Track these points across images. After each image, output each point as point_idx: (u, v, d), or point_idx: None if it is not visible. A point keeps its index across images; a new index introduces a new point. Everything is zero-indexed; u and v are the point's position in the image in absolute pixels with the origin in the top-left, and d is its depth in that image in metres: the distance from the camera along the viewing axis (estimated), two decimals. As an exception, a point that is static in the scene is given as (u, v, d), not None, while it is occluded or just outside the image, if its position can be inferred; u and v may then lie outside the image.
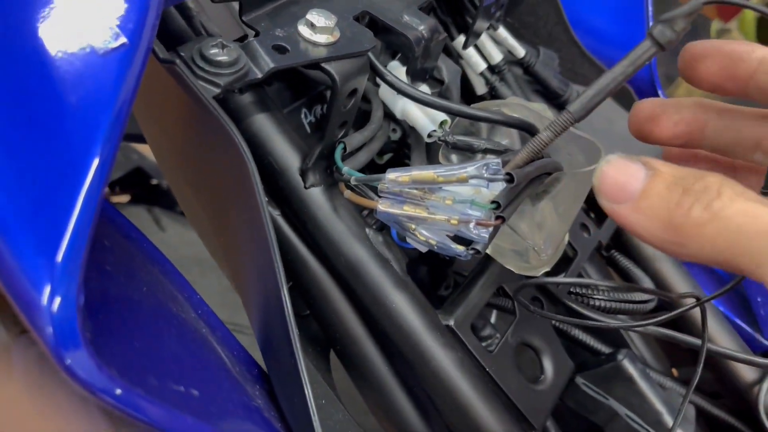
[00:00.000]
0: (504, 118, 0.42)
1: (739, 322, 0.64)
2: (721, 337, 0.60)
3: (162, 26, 0.38)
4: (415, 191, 0.38)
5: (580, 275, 0.60)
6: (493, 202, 0.36)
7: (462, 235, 0.37)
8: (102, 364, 0.25)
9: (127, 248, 0.36)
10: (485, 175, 0.36)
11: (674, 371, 0.68)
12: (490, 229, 0.36)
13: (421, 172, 0.37)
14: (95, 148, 0.25)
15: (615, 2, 0.67)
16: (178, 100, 0.36)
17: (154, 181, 1.03)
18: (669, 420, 0.54)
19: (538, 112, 0.43)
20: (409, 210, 0.38)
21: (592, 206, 0.60)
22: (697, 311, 0.60)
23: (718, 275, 0.67)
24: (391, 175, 0.38)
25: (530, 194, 0.42)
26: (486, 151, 0.44)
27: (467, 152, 0.44)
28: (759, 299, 0.61)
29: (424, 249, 0.40)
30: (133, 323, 0.30)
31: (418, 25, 0.42)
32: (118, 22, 0.28)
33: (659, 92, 0.66)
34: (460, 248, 0.37)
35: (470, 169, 0.37)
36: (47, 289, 0.24)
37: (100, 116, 0.25)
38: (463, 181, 0.36)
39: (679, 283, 0.59)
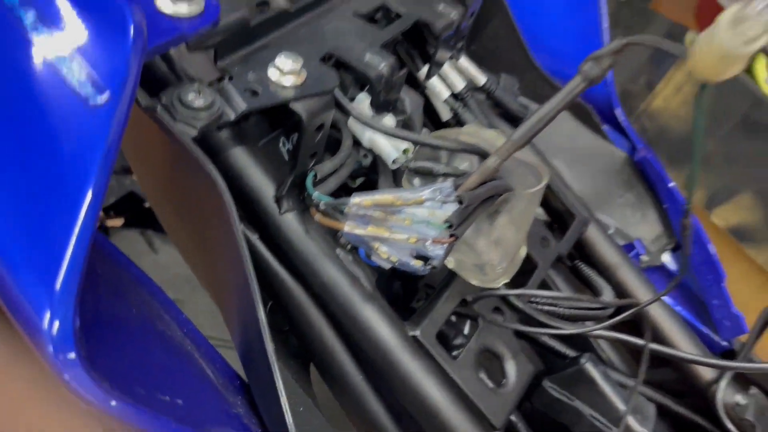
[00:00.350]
0: (458, 146, 0.46)
1: (699, 325, 0.68)
2: (680, 340, 0.64)
3: (146, 72, 0.43)
4: (377, 213, 0.42)
5: (544, 284, 0.65)
6: (446, 221, 0.40)
7: (420, 252, 0.41)
8: (97, 378, 0.29)
9: (117, 273, 0.40)
10: (438, 198, 0.41)
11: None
12: (445, 245, 0.41)
13: (382, 196, 0.41)
14: (86, 192, 0.29)
15: (574, 27, 0.72)
16: (160, 140, 0.41)
17: (147, 205, 1.07)
18: (632, 420, 0.58)
19: (491, 139, 0.47)
20: (372, 230, 0.42)
21: (556, 220, 0.64)
22: (658, 315, 0.65)
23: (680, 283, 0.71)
24: (355, 199, 0.42)
25: (484, 213, 0.46)
26: (446, 175, 0.48)
27: (428, 176, 0.48)
28: (714, 302, 0.66)
29: (387, 266, 0.44)
30: (124, 340, 0.34)
31: (380, 63, 0.46)
32: (104, 80, 0.32)
33: (616, 111, 0.70)
34: (418, 264, 0.41)
35: (425, 192, 0.41)
36: (47, 315, 0.28)
37: (89, 165, 0.30)
38: (419, 203, 0.41)
39: (639, 289, 0.63)
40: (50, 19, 0.34)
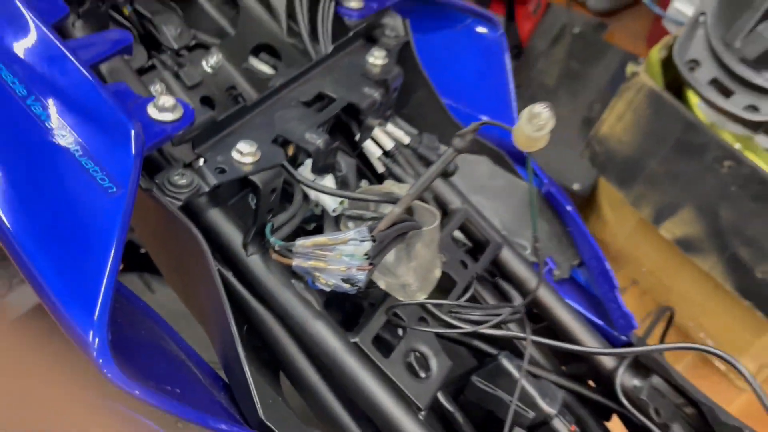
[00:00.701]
0: (377, 198, 0.63)
1: (604, 325, 0.84)
2: (583, 335, 0.80)
3: (144, 159, 0.60)
4: (317, 251, 0.59)
5: (473, 297, 0.81)
6: (366, 254, 0.57)
7: (349, 277, 0.58)
8: (125, 374, 0.45)
9: (131, 308, 0.57)
10: (359, 238, 0.58)
11: (564, 368, 0.88)
12: (366, 272, 0.57)
13: (318, 239, 0.58)
14: (109, 254, 0.46)
15: (487, 86, 0.90)
16: (155, 208, 0.57)
17: (143, 251, 1.24)
18: (541, 401, 0.74)
19: (402, 191, 0.64)
20: (314, 264, 0.59)
21: (475, 246, 0.81)
22: (565, 317, 0.81)
23: (585, 290, 0.88)
24: (300, 242, 0.59)
25: (402, 245, 0.63)
26: (373, 219, 0.65)
27: (360, 220, 0.66)
28: (612, 305, 0.82)
29: (327, 289, 0.60)
30: (139, 351, 0.51)
31: (316, 140, 0.64)
32: (117, 176, 0.49)
33: (526, 154, 0.88)
34: (347, 286, 0.58)
35: (349, 234, 0.58)
36: (91, 334, 0.45)
37: (111, 235, 0.47)
38: (345, 242, 0.58)
39: (545, 296, 0.79)
40: (72, 131, 0.51)
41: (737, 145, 1.59)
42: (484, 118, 0.90)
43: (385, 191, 0.66)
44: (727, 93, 1.47)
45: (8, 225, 0.48)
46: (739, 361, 2.02)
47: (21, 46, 0.54)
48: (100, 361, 0.45)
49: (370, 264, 0.57)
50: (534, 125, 0.49)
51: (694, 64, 1.52)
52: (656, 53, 1.71)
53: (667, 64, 1.71)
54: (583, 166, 1.92)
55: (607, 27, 2.61)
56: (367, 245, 0.58)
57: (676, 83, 1.67)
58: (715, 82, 1.49)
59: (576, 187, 2.00)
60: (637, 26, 2.66)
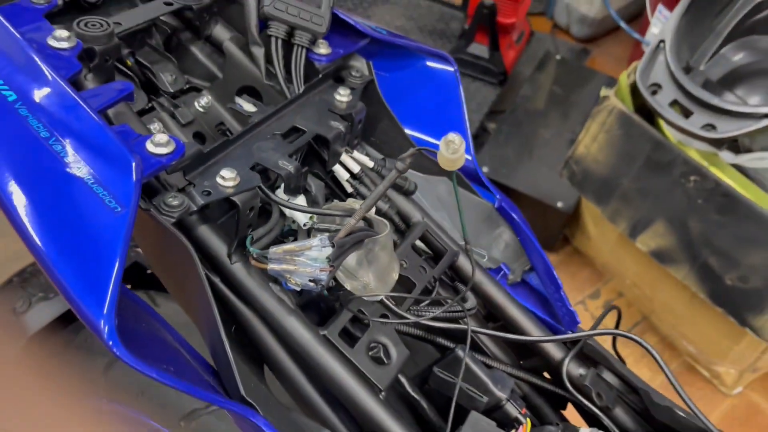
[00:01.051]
0: (340, 212, 0.76)
1: (552, 322, 0.96)
2: (533, 331, 0.92)
3: (144, 185, 0.73)
4: (287, 257, 0.72)
5: (436, 300, 0.93)
6: (327, 258, 0.70)
7: (315, 278, 0.71)
8: (132, 353, 0.58)
9: (134, 306, 0.70)
10: (321, 245, 0.70)
11: (521, 362, 1.00)
12: (327, 272, 0.70)
13: (288, 246, 0.71)
14: (115, 261, 0.60)
15: (444, 114, 1.03)
16: (153, 225, 0.71)
17: (149, 271, 1.38)
18: (493, 387, 0.86)
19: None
20: (285, 267, 0.71)
21: (434, 254, 0.93)
22: (515, 313, 0.93)
23: (536, 291, 1.00)
24: (272, 249, 0.72)
25: (362, 252, 0.76)
26: (337, 230, 0.78)
27: (327, 231, 0.78)
28: (558, 303, 0.94)
29: (297, 289, 0.73)
30: (141, 338, 0.63)
31: (287, 166, 0.77)
32: (121, 199, 0.62)
33: (479, 172, 1.01)
34: (313, 285, 0.71)
35: (313, 242, 0.71)
36: (102, 322, 0.58)
37: (117, 245, 0.60)
38: (309, 249, 0.70)
39: (497, 296, 0.91)
40: (85, 164, 0.65)
41: (705, 162, 1.70)
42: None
43: (347, 207, 0.79)
44: (686, 114, 1.59)
45: (38, 241, 0.62)
46: (721, 366, 2.14)
47: (44, 98, 0.68)
48: (110, 342, 0.57)
49: (331, 266, 0.70)
50: (450, 149, 0.62)
51: (656, 87, 1.65)
52: (625, 78, 1.85)
53: (636, 87, 1.84)
54: (567, 185, 2.04)
55: (590, 53, 2.75)
56: (328, 250, 0.71)
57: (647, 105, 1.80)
58: (675, 104, 1.61)
59: (559, 204, 2.12)
60: (618, 51, 2.80)
